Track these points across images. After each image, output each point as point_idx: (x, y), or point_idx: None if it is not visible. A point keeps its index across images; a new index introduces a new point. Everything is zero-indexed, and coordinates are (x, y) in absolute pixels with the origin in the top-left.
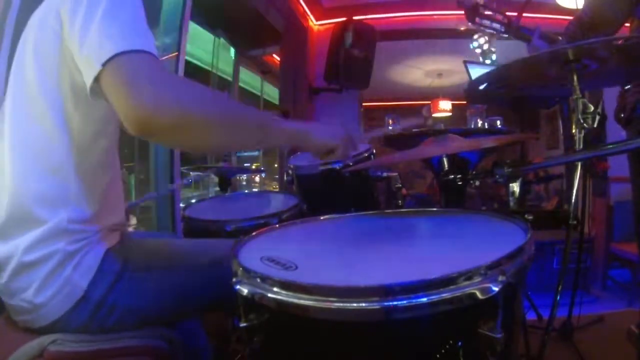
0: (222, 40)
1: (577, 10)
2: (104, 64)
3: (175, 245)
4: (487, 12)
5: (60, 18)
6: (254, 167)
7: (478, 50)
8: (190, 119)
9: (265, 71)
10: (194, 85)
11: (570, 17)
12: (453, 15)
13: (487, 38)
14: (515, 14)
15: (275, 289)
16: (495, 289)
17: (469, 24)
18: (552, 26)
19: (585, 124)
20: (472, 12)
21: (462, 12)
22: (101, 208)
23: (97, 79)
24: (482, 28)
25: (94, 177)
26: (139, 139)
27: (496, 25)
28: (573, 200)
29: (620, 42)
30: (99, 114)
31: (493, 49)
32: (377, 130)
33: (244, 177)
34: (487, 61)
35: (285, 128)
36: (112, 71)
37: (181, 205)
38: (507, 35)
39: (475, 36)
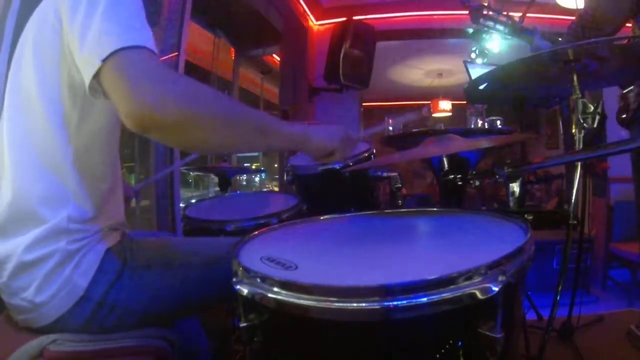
0: (222, 40)
1: (577, 10)
2: (104, 60)
3: (173, 244)
4: (491, 13)
5: (59, 16)
6: (254, 167)
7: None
8: (192, 116)
9: (265, 71)
10: (195, 83)
11: (570, 17)
12: (453, 15)
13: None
14: (519, 14)
15: (275, 289)
16: (495, 289)
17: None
18: (552, 26)
19: (585, 124)
20: (477, 13)
21: (461, 12)
22: (102, 208)
23: (96, 76)
24: (485, 29)
25: (94, 176)
26: (139, 139)
27: (500, 27)
28: (573, 200)
29: (625, 41)
30: (97, 114)
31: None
32: (376, 125)
33: (244, 177)
34: (479, 60)
35: (286, 132)
36: (112, 67)
37: (181, 205)
38: (510, 37)
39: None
